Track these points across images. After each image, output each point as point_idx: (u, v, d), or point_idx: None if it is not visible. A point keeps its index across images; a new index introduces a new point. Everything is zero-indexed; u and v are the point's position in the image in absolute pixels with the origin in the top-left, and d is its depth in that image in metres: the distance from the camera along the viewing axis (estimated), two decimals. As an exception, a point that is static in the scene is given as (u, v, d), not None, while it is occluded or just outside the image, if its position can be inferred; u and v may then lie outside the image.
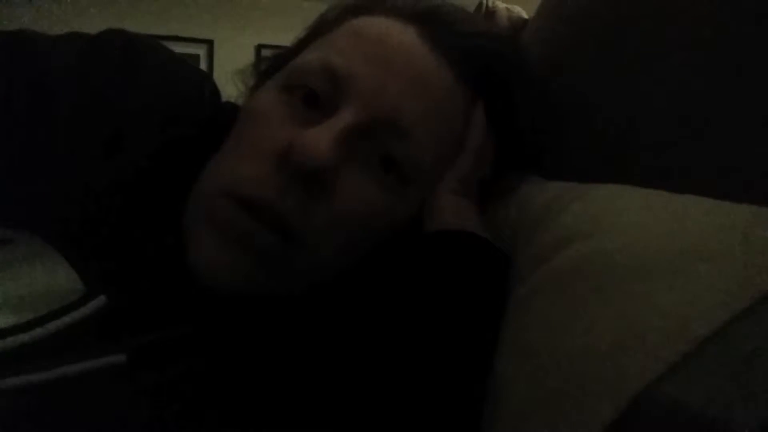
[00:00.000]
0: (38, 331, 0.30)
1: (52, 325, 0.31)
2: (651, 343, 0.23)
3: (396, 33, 0.40)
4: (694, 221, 0.28)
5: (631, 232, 0.29)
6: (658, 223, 0.29)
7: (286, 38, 0.49)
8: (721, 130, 0.33)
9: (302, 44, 0.45)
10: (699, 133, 0.35)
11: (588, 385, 0.24)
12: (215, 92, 0.46)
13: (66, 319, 0.31)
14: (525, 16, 0.65)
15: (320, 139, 0.34)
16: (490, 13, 0.64)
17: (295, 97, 0.38)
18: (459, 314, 0.35)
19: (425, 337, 0.34)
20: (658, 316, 0.24)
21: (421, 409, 0.32)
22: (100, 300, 0.32)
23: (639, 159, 0.38)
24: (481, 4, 0.66)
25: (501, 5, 0.65)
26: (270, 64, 0.47)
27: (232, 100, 0.48)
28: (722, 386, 0.21)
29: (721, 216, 0.27)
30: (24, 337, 0.30)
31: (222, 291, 0.35)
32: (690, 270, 0.25)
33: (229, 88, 0.49)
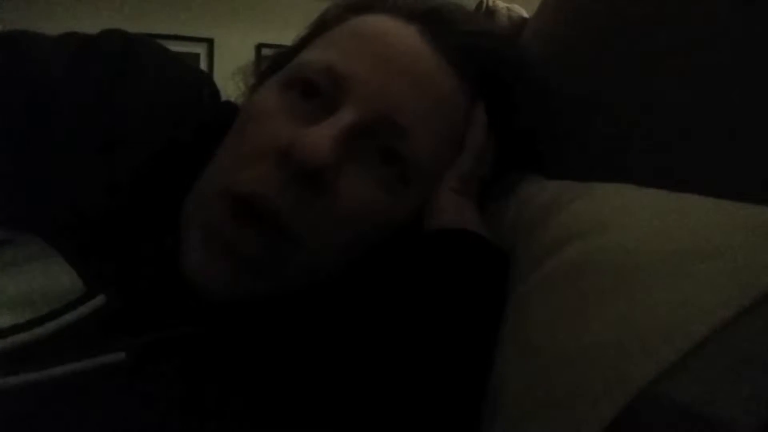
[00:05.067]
0: (38, 331, 0.30)
1: (52, 325, 0.31)
2: (651, 343, 0.23)
3: (397, 32, 0.40)
4: (695, 220, 0.27)
5: (631, 231, 0.29)
6: (659, 222, 0.29)
7: (287, 37, 0.49)
8: (722, 130, 0.33)
9: (303, 43, 0.45)
10: (699, 132, 0.35)
11: (587, 385, 0.24)
12: (214, 93, 0.46)
13: (66, 319, 0.31)
14: (525, 15, 0.65)
15: (321, 138, 0.34)
16: (491, 13, 0.64)
17: (294, 92, 0.38)
18: (458, 313, 0.35)
19: (425, 336, 0.34)
20: (658, 316, 0.24)
21: (420, 408, 0.32)
22: (100, 299, 0.33)
23: (639, 158, 0.38)
24: (481, 3, 0.66)
25: (501, 4, 0.65)
26: (270, 63, 0.47)
27: (233, 99, 0.48)
28: (722, 386, 0.21)
29: (722, 215, 0.27)
30: (24, 337, 0.30)
31: (216, 296, 0.35)
32: (690, 269, 0.25)
33: (230, 88, 0.49)
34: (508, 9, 0.65)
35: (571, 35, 0.47)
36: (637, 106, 0.39)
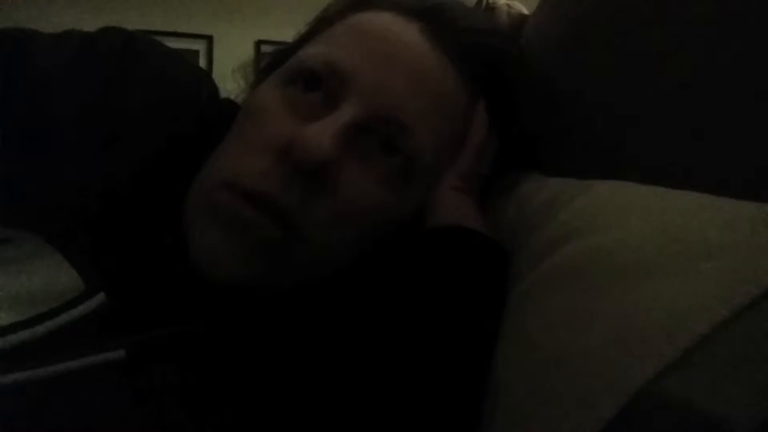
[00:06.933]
0: (38, 329, 0.30)
1: (52, 323, 0.31)
2: (651, 341, 0.23)
3: (398, 29, 0.40)
4: (695, 218, 0.27)
5: (631, 228, 0.29)
6: (659, 220, 0.29)
7: (286, 34, 0.49)
8: (721, 130, 0.33)
9: (303, 40, 0.45)
10: (699, 132, 0.35)
11: (587, 383, 0.24)
12: (214, 90, 0.46)
13: (66, 317, 0.31)
14: (525, 12, 0.65)
15: (321, 135, 0.34)
16: (490, 9, 0.64)
17: (296, 87, 0.38)
18: (459, 310, 0.35)
19: (425, 334, 0.34)
20: (658, 313, 0.24)
21: (420, 407, 0.32)
22: (100, 298, 0.33)
23: (639, 158, 0.38)
24: (481, 0, 0.66)
25: (501, 1, 0.65)
26: (271, 60, 0.47)
27: (232, 96, 0.48)
28: (723, 384, 0.21)
29: (722, 213, 0.27)
30: (24, 335, 0.30)
31: (223, 284, 0.35)
32: (690, 267, 0.25)
33: (229, 85, 0.49)
34: (508, 6, 0.65)
35: (571, 33, 0.46)
36: (637, 104, 0.39)
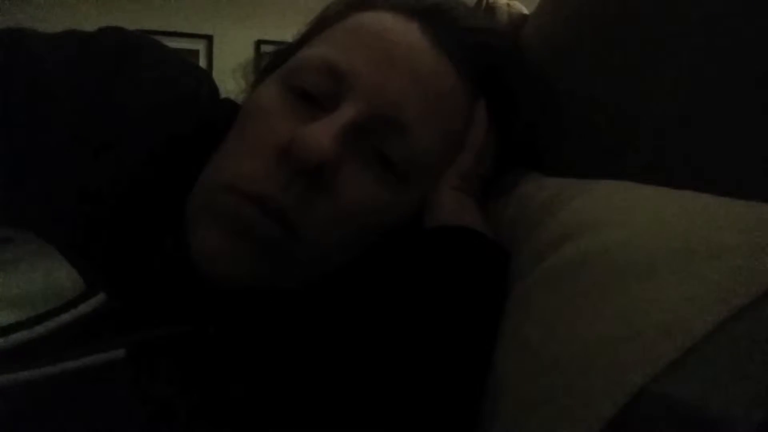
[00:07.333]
0: (38, 329, 0.30)
1: (52, 323, 0.31)
2: (650, 340, 0.23)
3: (399, 29, 0.40)
4: (695, 218, 0.27)
5: (631, 228, 0.29)
6: (658, 219, 0.29)
7: (286, 34, 0.49)
8: (722, 128, 0.33)
9: (304, 40, 0.45)
10: (699, 131, 0.35)
11: (587, 382, 0.24)
12: (213, 90, 0.46)
13: (66, 317, 0.31)
14: (525, 11, 0.65)
15: (321, 134, 0.34)
16: (490, 9, 0.64)
17: (295, 95, 0.38)
18: (458, 310, 0.35)
19: (424, 333, 0.34)
20: (657, 313, 0.24)
21: (419, 405, 0.32)
22: (100, 298, 0.33)
23: (639, 157, 0.38)
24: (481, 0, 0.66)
25: (501, 1, 0.65)
26: (271, 60, 0.47)
27: (232, 96, 0.48)
28: (722, 384, 0.21)
29: (723, 213, 0.27)
30: (24, 335, 0.30)
31: (223, 284, 0.35)
32: (690, 266, 0.25)
33: (229, 84, 0.49)
34: (508, 5, 0.65)
35: (572, 32, 0.46)
36: (637, 104, 0.39)
